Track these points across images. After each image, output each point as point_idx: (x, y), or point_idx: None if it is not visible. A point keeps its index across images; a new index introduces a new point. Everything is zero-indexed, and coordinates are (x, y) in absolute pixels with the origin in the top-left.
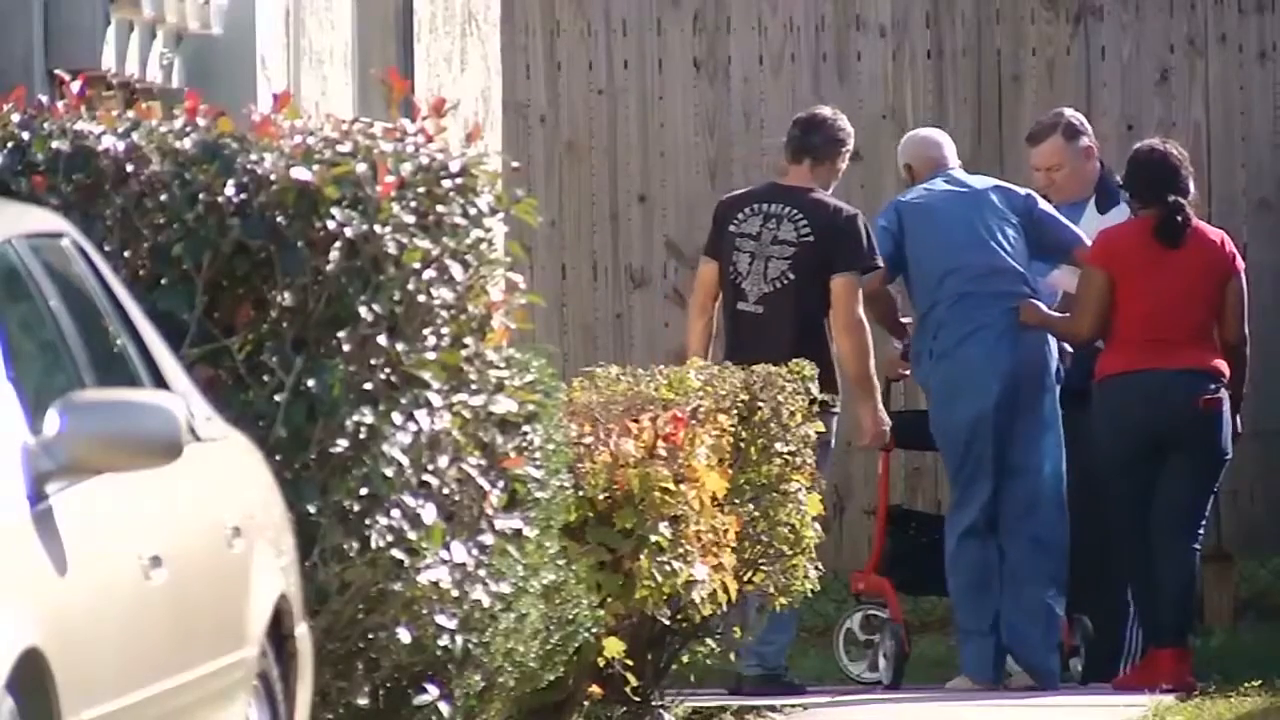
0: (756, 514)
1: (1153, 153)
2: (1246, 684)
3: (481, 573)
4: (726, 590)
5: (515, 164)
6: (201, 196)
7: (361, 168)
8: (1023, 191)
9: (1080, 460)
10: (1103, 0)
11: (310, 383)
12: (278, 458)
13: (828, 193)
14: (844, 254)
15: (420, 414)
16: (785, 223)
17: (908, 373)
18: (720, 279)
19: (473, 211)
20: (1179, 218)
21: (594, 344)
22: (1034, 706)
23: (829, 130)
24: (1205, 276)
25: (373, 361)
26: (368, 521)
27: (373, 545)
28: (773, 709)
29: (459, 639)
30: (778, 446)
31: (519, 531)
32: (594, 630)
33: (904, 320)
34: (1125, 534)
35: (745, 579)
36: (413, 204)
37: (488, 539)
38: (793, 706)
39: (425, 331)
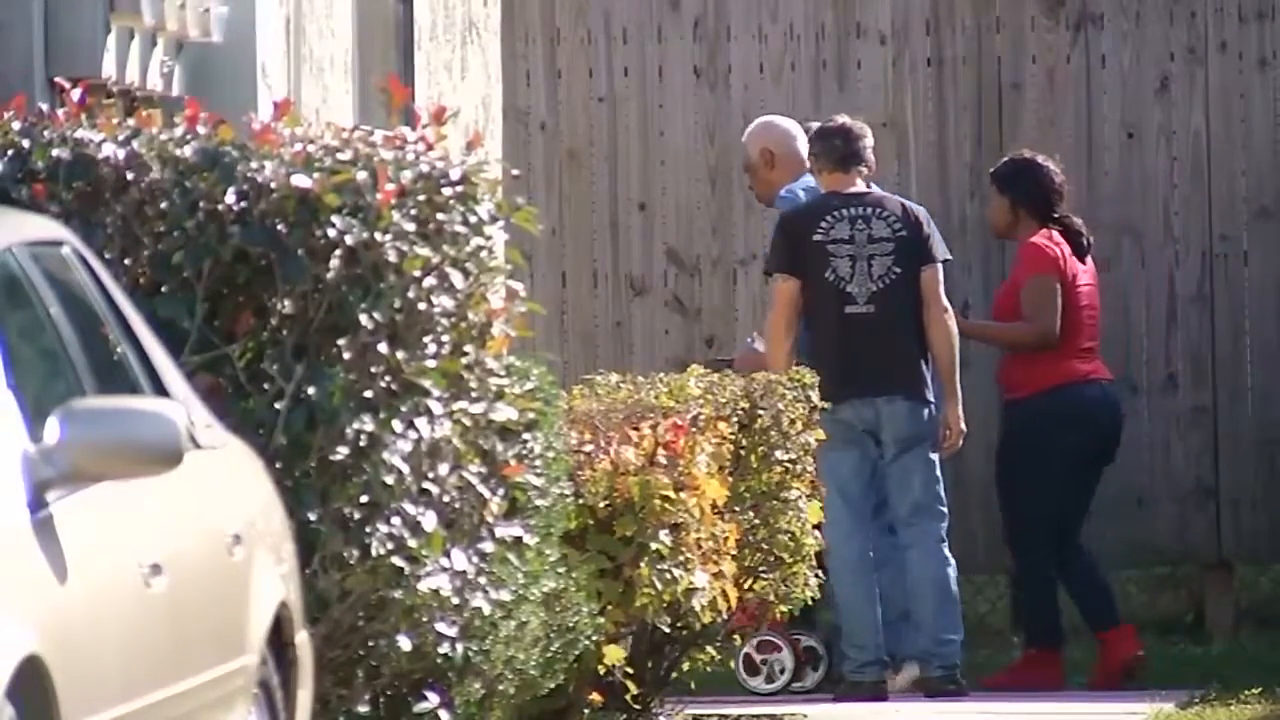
0: (757, 521)
1: (1051, 171)
2: (1246, 692)
3: (482, 580)
4: (726, 597)
5: (515, 172)
6: (202, 204)
7: (362, 175)
8: None
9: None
10: (1103, 8)
11: (311, 390)
12: (278, 465)
13: None
14: (930, 246)
15: (420, 422)
16: (876, 221)
17: None
18: (809, 292)
19: (473, 219)
20: (1083, 231)
21: (594, 352)
22: (1034, 713)
23: (865, 138)
24: (1098, 287)
25: (373, 369)
26: (368, 529)
27: (373, 553)
28: (773, 717)
29: (459, 646)
30: (778, 454)
31: (519, 539)
32: (594, 638)
33: None
34: (1053, 537)
35: (745, 586)
36: (413, 212)
37: (488, 546)
38: (792, 713)
39: (425, 339)
